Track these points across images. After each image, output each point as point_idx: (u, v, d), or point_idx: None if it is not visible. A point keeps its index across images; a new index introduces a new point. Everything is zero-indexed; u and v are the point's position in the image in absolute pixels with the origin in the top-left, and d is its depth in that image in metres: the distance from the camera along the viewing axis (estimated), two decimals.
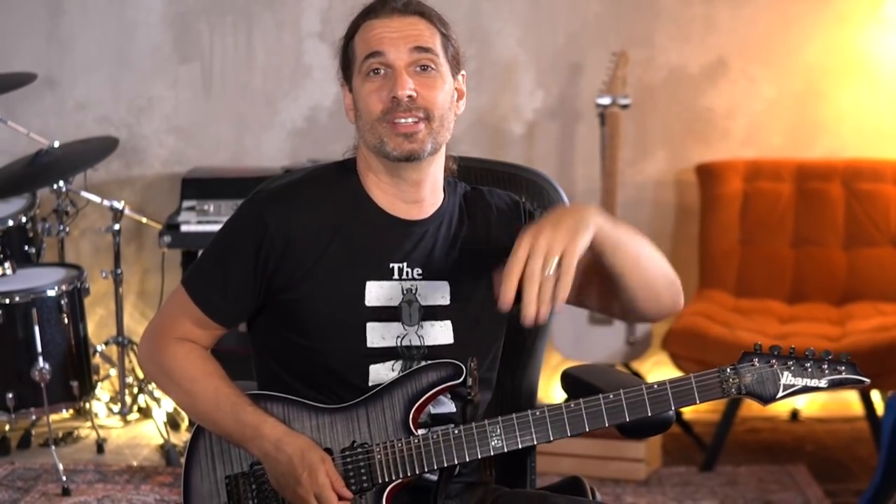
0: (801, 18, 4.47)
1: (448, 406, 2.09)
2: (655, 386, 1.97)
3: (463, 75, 2.12)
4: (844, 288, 4.28)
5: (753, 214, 4.37)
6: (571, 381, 2.37)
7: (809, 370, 1.97)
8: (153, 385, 4.15)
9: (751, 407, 4.44)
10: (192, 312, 2.08)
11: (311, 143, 4.55)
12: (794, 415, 4.50)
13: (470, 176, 2.32)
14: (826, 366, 1.97)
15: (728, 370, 1.97)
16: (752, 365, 1.98)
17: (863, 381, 1.98)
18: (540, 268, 1.89)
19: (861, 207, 4.30)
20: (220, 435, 2.07)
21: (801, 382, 1.97)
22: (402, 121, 2.01)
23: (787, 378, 1.97)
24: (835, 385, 1.97)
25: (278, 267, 2.05)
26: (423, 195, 2.10)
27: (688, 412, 4.42)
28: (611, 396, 1.98)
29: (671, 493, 3.81)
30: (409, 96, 2.01)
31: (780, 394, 1.97)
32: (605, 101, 4.26)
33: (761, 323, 4.10)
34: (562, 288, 1.89)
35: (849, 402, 4.37)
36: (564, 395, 2.51)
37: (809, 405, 4.53)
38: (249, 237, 2.05)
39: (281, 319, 2.08)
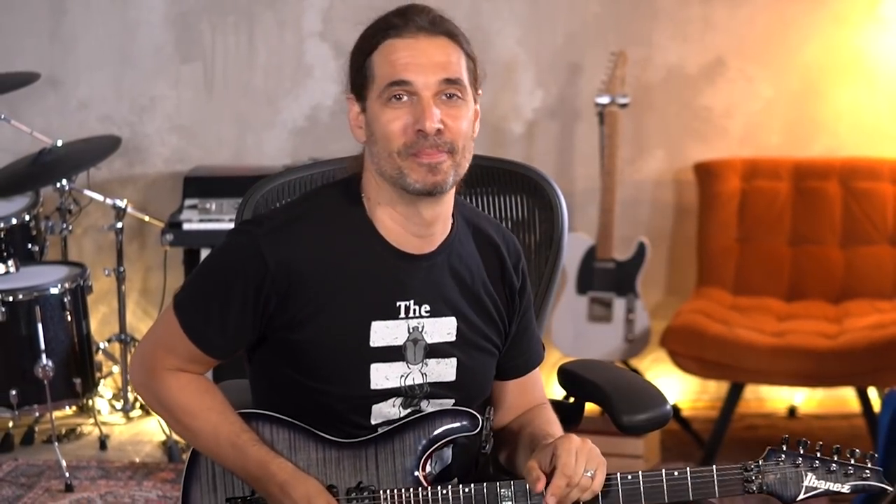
0: (798, 18, 4.48)
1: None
2: (676, 473, 1.95)
3: (479, 93, 1.99)
4: (842, 286, 4.29)
5: (751, 213, 4.38)
6: (568, 376, 2.39)
7: (834, 472, 1.94)
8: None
9: (749, 404, 4.47)
10: (186, 346, 1.98)
11: (312, 141, 4.57)
12: (792, 411, 4.51)
13: (469, 174, 2.32)
14: (851, 469, 1.94)
15: (752, 467, 1.95)
16: (777, 464, 1.95)
17: (887, 490, 1.94)
18: (582, 471, 1.90)
19: (858, 206, 4.31)
20: (225, 469, 2.00)
21: (823, 486, 1.94)
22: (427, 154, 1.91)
23: (810, 480, 1.94)
24: (857, 491, 1.94)
25: (280, 306, 1.95)
26: (434, 230, 2.01)
27: (686, 408, 4.45)
28: (629, 477, 1.95)
29: None
30: (437, 129, 1.89)
31: (802, 496, 1.94)
32: (604, 100, 4.28)
33: (759, 320, 4.10)
34: (586, 496, 1.92)
35: (846, 399, 4.38)
36: (563, 393, 2.53)
37: (807, 402, 4.55)
38: (250, 276, 1.93)
39: (280, 356, 2.00)
